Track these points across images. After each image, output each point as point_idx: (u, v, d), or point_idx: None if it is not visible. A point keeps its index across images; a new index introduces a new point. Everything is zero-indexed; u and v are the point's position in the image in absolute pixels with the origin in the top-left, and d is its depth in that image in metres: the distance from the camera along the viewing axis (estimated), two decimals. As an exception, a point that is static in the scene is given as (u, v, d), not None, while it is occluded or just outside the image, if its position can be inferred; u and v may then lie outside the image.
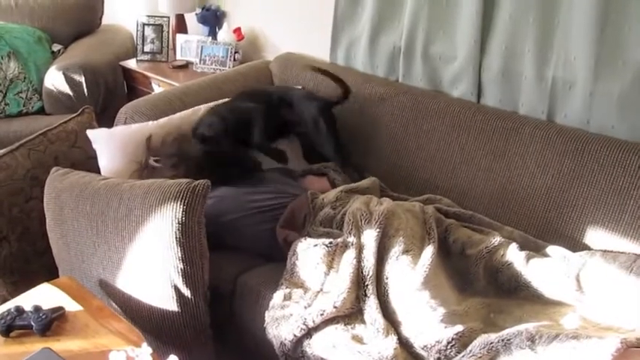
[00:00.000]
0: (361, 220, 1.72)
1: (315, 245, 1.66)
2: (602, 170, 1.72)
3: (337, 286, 1.58)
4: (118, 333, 1.35)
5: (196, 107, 2.17)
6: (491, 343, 1.37)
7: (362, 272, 1.61)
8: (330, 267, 1.65)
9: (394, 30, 2.23)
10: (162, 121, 2.09)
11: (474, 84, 2.06)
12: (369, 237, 1.66)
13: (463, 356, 1.39)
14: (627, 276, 1.52)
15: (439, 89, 2.19)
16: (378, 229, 1.67)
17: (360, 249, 1.65)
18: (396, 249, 1.63)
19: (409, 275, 1.57)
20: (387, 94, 2.19)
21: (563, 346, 1.31)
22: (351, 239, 1.67)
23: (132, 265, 1.60)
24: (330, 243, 1.66)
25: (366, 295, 1.58)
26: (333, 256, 1.65)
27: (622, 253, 1.64)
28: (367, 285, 1.59)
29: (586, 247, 1.73)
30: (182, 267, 1.55)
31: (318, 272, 1.65)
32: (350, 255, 1.63)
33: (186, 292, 1.57)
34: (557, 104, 1.90)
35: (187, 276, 1.56)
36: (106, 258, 1.64)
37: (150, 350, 1.16)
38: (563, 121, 1.89)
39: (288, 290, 1.66)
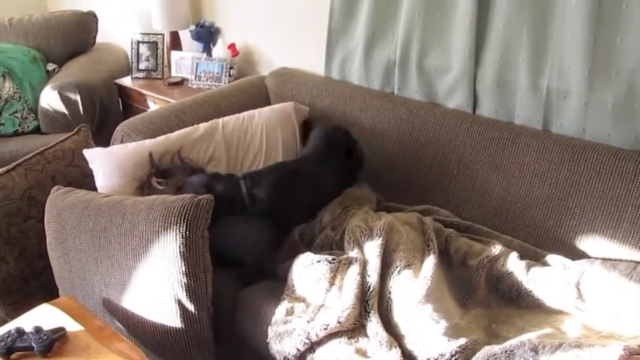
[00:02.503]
0: (362, 237, 1.72)
1: (318, 261, 1.66)
2: (599, 178, 1.73)
3: (341, 302, 1.58)
4: (121, 353, 1.34)
5: (195, 126, 2.17)
6: (495, 355, 1.37)
7: (364, 288, 1.60)
8: (332, 284, 1.64)
9: (388, 43, 2.25)
10: (159, 139, 2.09)
11: (470, 95, 2.07)
12: (371, 253, 1.66)
13: None
14: (627, 283, 1.53)
15: (435, 101, 2.20)
16: (379, 245, 1.67)
17: (363, 265, 1.65)
18: (398, 263, 1.63)
19: (411, 289, 1.57)
20: (382, 106, 2.20)
21: (567, 356, 1.31)
22: (354, 255, 1.67)
23: (135, 280, 1.60)
24: (334, 259, 1.65)
25: (367, 311, 1.57)
26: (335, 273, 1.65)
27: (621, 260, 1.65)
28: (368, 301, 1.58)
29: (585, 255, 1.73)
30: (186, 281, 1.55)
31: (319, 288, 1.64)
32: (354, 271, 1.63)
33: (190, 307, 1.57)
34: (552, 114, 1.91)
35: (191, 290, 1.56)
36: (108, 274, 1.64)
37: (154, 369, 1.16)
38: (558, 131, 1.91)
39: (290, 305, 1.65)
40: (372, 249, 1.67)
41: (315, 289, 1.64)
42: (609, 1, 1.68)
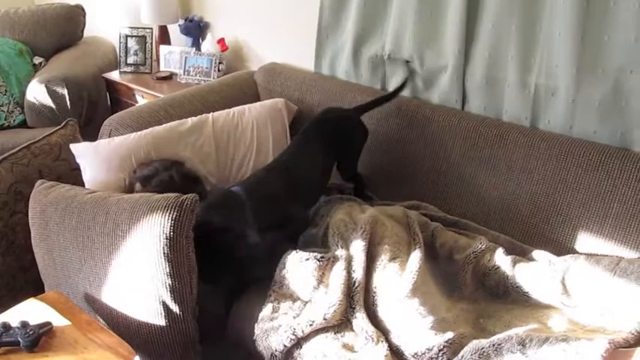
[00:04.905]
0: (346, 232, 1.72)
1: (307, 259, 1.65)
2: (585, 175, 1.75)
3: (328, 298, 1.58)
4: (108, 347, 1.33)
5: (183, 120, 2.16)
6: (483, 348, 1.38)
7: (350, 283, 1.60)
8: (320, 281, 1.63)
9: (378, 39, 2.25)
10: (145, 132, 2.07)
11: (459, 92, 2.08)
12: (357, 247, 1.66)
13: None
14: (611, 278, 1.55)
15: (423, 97, 2.21)
16: (364, 239, 1.67)
17: (349, 260, 1.65)
18: (383, 257, 1.64)
19: (397, 283, 1.57)
20: (372, 102, 2.20)
21: (554, 349, 1.32)
22: (339, 251, 1.67)
23: (119, 280, 1.58)
24: (322, 257, 1.65)
25: (352, 307, 1.57)
26: (324, 271, 1.64)
27: (605, 255, 1.66)
28: (353, 296, 1.58)
29: (572, 251, 1.75)
30: (170, 282, 1.52)
31: (307, 285, 1.64)
32: (340, 267, 1.63)
33: (175, 308, 1.54)
34: (540, 111, 1.92)
35: (176, 292, 1.53)
36: (92, 274, 1.62)
37: (141, 364, 1.15)
38: (546, 127, 1.92)
39: (276, 302, 1.65)
40: (357, 243, 1.67)
41: (303, 287, 1.64)
42: (597, -1, 1.69)
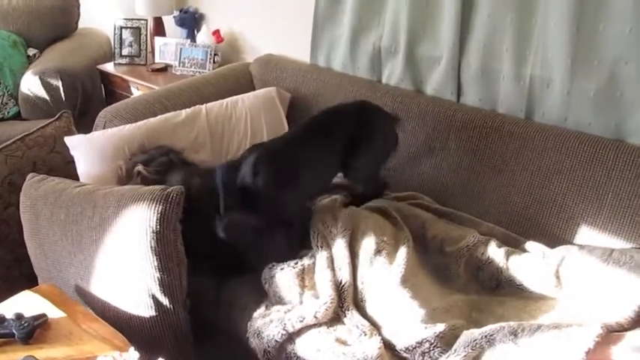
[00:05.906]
0: (326, 229, 1.71)
1: (282, 269, 1.65)
2: (580, 166, 1.75)
3: (321, 296, 1.57)
4: (103, 339, 1.33)
5: (176, 112, 2.16)
6: (475, 340, 1.38)
7: (337, 281, 1.60)
8: (303, 286, 1.63)
9: (375, 31, 2.24)
10: (139, 124, 2.07)
11: (454, 83, 2.08)
12: (339, 245, 1.66)
13: (448, 356, 1.39)
14: (604, 269, 1.54)
15: (420, 89, 2.20)
16: (345, 235, 1.66)
17: (331, 259, 1.64)
18: (367, 251, 1.63)
19: (385, 277, 1.56)
20: (368, 94, 2.19)
21: (545, 336, 1.33)
22: (320, 252, 1.66)
23: (109, 274, 1.57)
24: (297, 263, 1.64)
25: (341, 306, 1.56)
26: (303, 275, 1.64)
27: (597, 247, 1.65)
28: (341, 295, 1.58)
29: (566, 242, 1.75)
30: (159, 276, 1.52)
31: (293, 292, 1.63)
32: (322, 267, 1.62)
33: (165, 301, 1.54)
34: (535, 102, 1.92)
35: (165, 284, 1.53)
36: (82, 267, 1.61)
37: (137, 355, 1.15)
38: (541, 119, 1.92)
39: (270, 303, 1.66)
40: (338, 240, 1.66)
41: (291, 295, 1.64)
42: (592, -11, 1.69)
